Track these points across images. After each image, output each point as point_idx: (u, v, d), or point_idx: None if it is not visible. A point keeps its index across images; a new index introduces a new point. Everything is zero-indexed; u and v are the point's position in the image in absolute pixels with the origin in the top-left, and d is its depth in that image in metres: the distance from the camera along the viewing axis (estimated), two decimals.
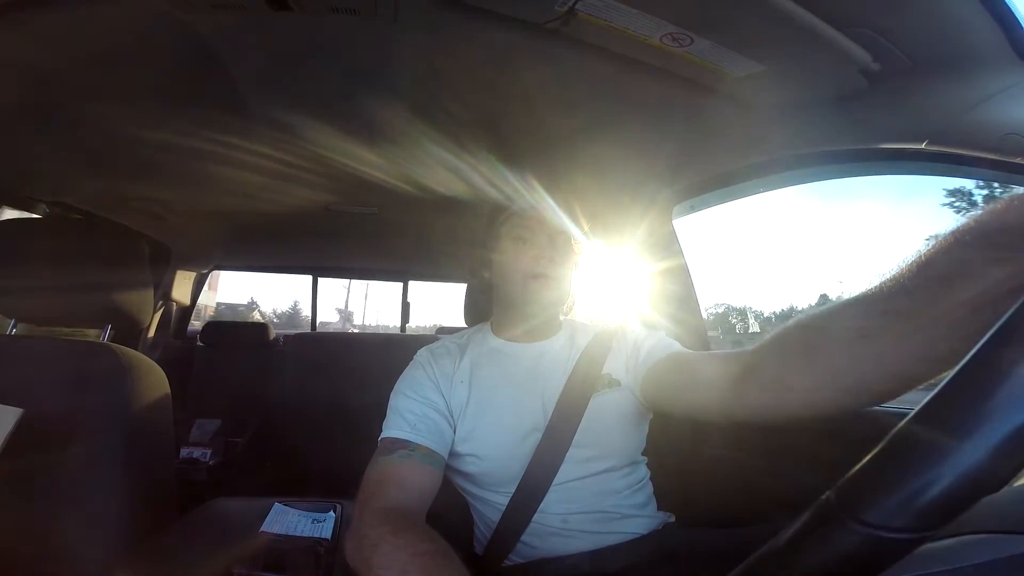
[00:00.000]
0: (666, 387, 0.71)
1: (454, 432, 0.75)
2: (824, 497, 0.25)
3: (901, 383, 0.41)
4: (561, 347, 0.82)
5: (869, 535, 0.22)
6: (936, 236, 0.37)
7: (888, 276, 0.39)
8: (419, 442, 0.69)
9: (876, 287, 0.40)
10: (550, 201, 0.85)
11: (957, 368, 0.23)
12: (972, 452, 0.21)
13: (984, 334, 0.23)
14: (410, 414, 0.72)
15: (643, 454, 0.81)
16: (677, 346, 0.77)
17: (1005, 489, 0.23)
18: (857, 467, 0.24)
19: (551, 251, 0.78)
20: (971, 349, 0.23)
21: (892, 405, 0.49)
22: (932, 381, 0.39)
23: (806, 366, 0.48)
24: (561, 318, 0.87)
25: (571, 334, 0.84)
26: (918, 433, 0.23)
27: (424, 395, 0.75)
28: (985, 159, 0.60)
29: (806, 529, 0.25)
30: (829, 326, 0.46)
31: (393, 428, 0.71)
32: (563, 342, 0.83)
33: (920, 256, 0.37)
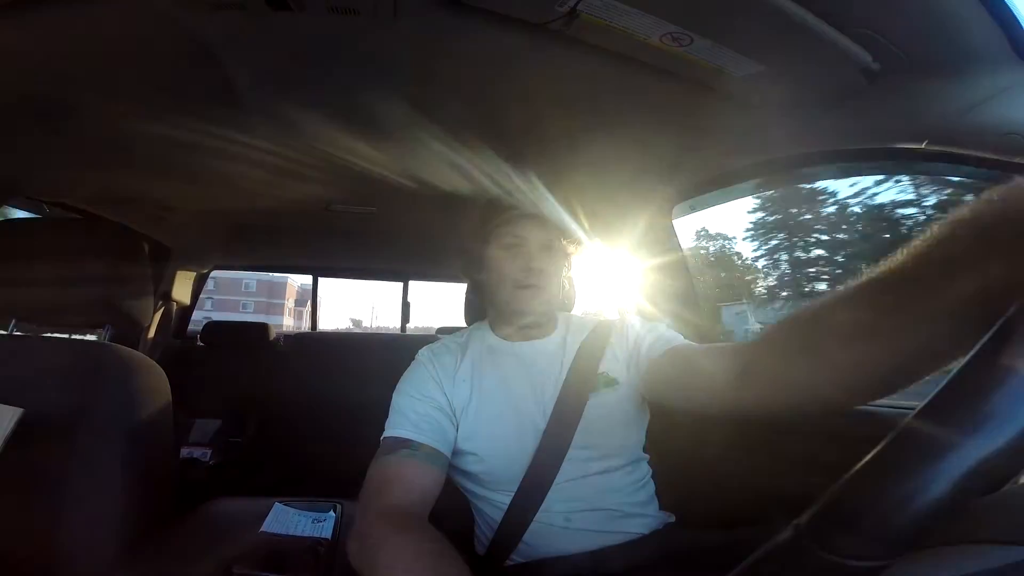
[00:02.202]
0: (666, 382, 0.71)
1: (456, 431, 0.75)
2: (794, 523, 0.25)
3: (900, 377, 0.40)
4: (556, 346, 0.82)
5: (837, 564, 0.22)
6: (935, 225, 0.35)
7: (887, 266, 0.38)
8: (422, 441, 0.69)
9: (876, 277, 0.39)
10: (550, 199, 0.85)
11: (946, 380, 0.23)
12: (948, 472, 0.21)
13: (990, 328, 0.22)
14: (413, 413, 0.72)
15: (644, 452, 0.81)
16: (679, 339, 0.76)
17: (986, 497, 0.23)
18: (827, 494, 0.24)
19: (541, 260, 0.77)
20: (975, 344, 0.22)
21: (894, 404, 0.49)
22: (929, 378, 0.38)
23: (805, 361, 0.47)
24: (558, 314, 0.87)
25: (566, 331, 0.84)
26: (891, 458, 0.23)
27: (427, 394, 0.75)
28: (985, 159, 0.60)
29: (775, 555, 0.25)
30: (828, 319, 0.44)
31: (396, 427, 0.71)
32: (558, 340, 0.82)
33: (918, 246, 0.35)
